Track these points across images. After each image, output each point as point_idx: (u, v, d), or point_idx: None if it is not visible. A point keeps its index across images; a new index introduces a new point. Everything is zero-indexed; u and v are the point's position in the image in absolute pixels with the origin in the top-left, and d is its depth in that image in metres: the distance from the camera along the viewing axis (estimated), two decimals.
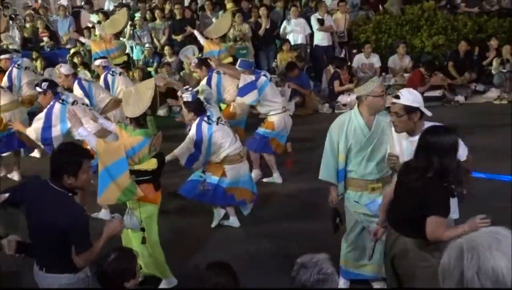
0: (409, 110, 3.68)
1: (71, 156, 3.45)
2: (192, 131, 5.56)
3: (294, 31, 11.94)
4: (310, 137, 8.36)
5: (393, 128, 3.87)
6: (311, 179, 5.25)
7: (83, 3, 15.02)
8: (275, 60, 11.94)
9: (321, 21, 11.71)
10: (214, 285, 2.80)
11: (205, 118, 5.54)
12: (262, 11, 12.09)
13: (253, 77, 6.88)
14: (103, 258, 3.17)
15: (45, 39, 12.83)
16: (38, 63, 11.51)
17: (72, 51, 12.18)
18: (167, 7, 13.32)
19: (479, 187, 5.45)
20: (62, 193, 3.40)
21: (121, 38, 11.14)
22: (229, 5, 12.59)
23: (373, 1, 13.52)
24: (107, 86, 7.86)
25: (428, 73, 10.28)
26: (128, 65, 10.93)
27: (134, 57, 12.64)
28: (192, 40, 11.43)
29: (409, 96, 3.70)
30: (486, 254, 1.49)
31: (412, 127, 3.74)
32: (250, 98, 6.86)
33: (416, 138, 3.59)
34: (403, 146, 3.85)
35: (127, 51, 12.66)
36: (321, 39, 11.84)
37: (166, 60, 11.73)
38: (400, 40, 11.46)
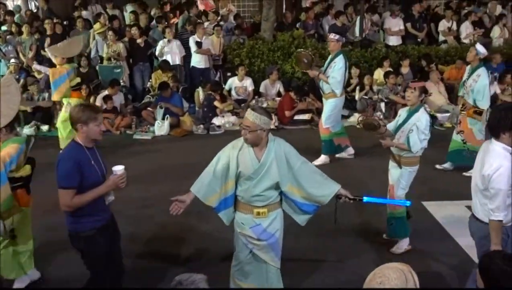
0: None
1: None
2: None
3: (171, 51, 11.96)
4: (185, 157, 8.37)
5: None
6: None
7: None
8: (150, 80, 11.86)
9: (199, 44, 11.87)
10: None
11: None
12: (134, 31, 12.00)
13: None
14: None
15: None
16: None
17: None
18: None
19: None
20: None
21: None
22: (96, 26, 12.28)
23: (247, 27, 13.97)
24: None
25: (298, 98, 10.80)
26: None
27: None
28: None
29: None
30: None
31: None
32: None
33: None
34: None
35: None
36: (198, 61, 11.97)
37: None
38: (274, 66, 11.92)
